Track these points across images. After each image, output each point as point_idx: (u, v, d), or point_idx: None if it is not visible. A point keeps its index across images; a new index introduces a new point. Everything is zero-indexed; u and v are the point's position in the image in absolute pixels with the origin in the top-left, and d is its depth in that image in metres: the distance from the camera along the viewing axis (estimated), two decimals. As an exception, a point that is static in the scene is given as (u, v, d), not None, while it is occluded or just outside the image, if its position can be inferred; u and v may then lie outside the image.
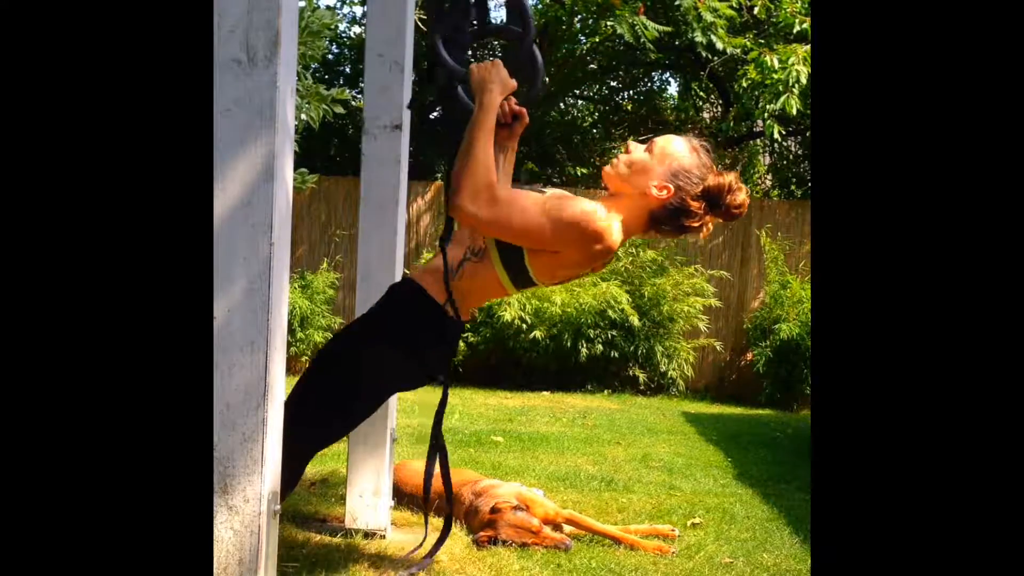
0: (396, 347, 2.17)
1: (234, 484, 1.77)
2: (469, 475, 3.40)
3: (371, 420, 2.69)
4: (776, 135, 7.55)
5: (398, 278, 3.00)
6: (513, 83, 2.12)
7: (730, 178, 2.12)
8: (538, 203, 2.06)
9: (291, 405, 2.16)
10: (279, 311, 1.82)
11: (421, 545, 2.62)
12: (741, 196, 2.13)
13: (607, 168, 2.17)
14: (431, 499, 3.24)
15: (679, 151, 2.12)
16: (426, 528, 2.52)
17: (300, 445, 2.13)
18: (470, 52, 2.24)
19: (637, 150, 2.15)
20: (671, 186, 2.09)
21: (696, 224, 2.14)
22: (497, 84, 2.08)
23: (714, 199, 2.12)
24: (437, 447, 2.32)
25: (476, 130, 2.04)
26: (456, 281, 2.15)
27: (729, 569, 2.88)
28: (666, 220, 2.13)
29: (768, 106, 7.32)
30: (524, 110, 2.19)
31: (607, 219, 2.07)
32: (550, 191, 2.15)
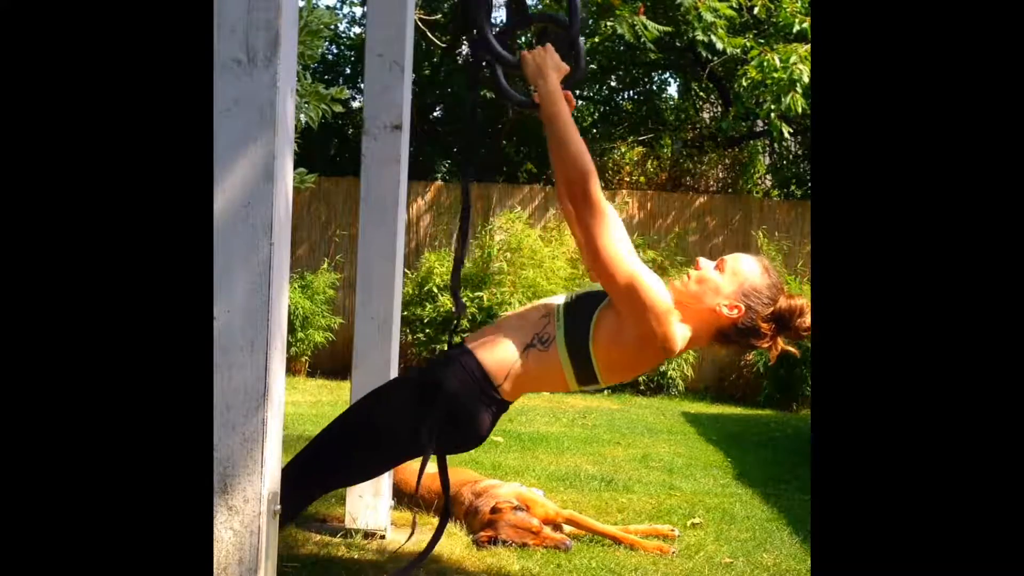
0: (437, 411, 2.09)
1: (234, 484, 1.77)
2: (469, 475, 3.40)
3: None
4: (785, 133, 7.55)
5: (398, 278, 3.00)
6: (566, 66, 2.09)
7: (801, 302, 2.10)
8: (625, 243, 2.04)
9: (309, 448, 2.15)
10: (279, 311, 1.82)
11: (410, 538, 2.62)
12: (809, 319, 2.10)
13: (676, 283, 2.14)
14: (431, 499, 3.25)
15: (750, 271, 2.11)
16: (414, 523, 2.51)
17: (302, 489, 2.11)
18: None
19: (707, 267, 2.14)
20: (742, 306, 2.08)
21: (765, 345, 2.11)
22: (553, 69, 2.06)
23: (784, 321, 2.10)
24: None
25: (555, 121, 2.02)
26: (519, 365, 2.09)
27: (729, 569, 2.88)
28: (734, 338, 2.12)
29: (773, 105, 7.31)
30: (570, 93, 2.15)
31: (679, 324, 2.05)
32: None
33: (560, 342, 2.08)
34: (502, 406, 2.14)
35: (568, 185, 2.01)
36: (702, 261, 2.16)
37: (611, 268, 2.01)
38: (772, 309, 2.09)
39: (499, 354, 2.10)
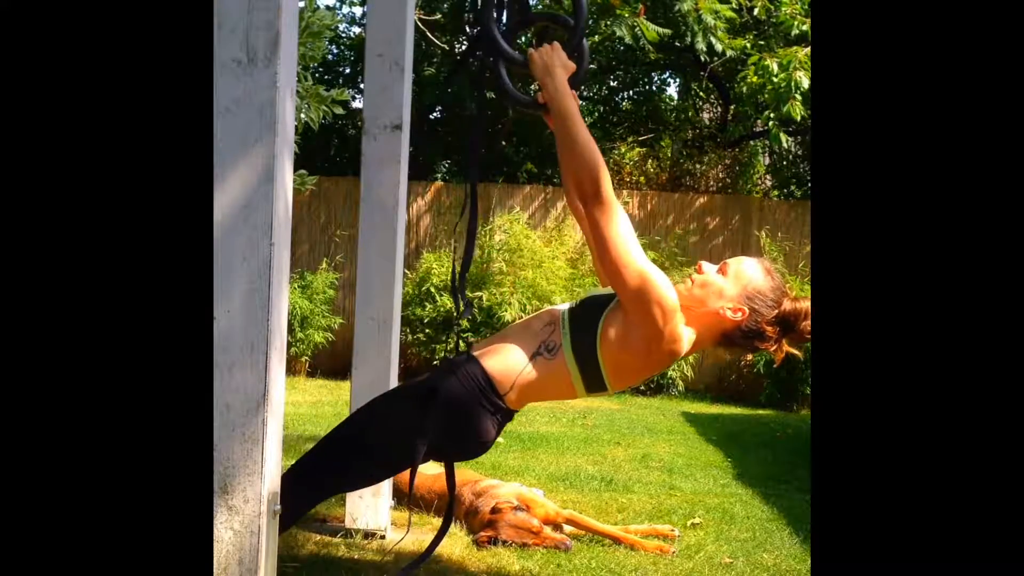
0: (442, 419, 2.08)
1: (234, 484, 1.77)
2: (469, 475, 3.41)
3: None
4: (784, 143, 7.55)
5: (398, 278, 3.00)
6: (572, 65, 2.09)
7: (806, 304, 2.10)
8: (633, 240, 2.03)
9: (315, 451, 2.15)
10: (279, 311, 1.82)
11: (403, 538, 2.62)
12: (809, 323, 2.09)
13: (680, 287, 2.13)
14: (431, 500, 3.25)
15: (753, 274, 2.11)
16: (408, 524, 2.51)
17: (304, 491, 2.10)
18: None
19: (710, 271, 2.13)
20: (746, 309, 2.08)
21: (771, 347, 2.12)
22: (560, 67, 2.06)
23: (789, 324, 2.10)
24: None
25: (566, 119, 2.02)
26: (524, 374, 2.08)
27: (729, 569, 2.88)
28: (739, 341, 2.12)
29: (771, 113, 7.32)
30: (575, 93, 2.14)
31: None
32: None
33: (567, 349, 2.07)
34: (507, 414, 2.13)
35: (578, 183, 2.01)
36: (705, 265, 2.15)
37: (621, 264, 2.00)
38: (776, 312, 2.09)
39: (505, 362, 2.09)
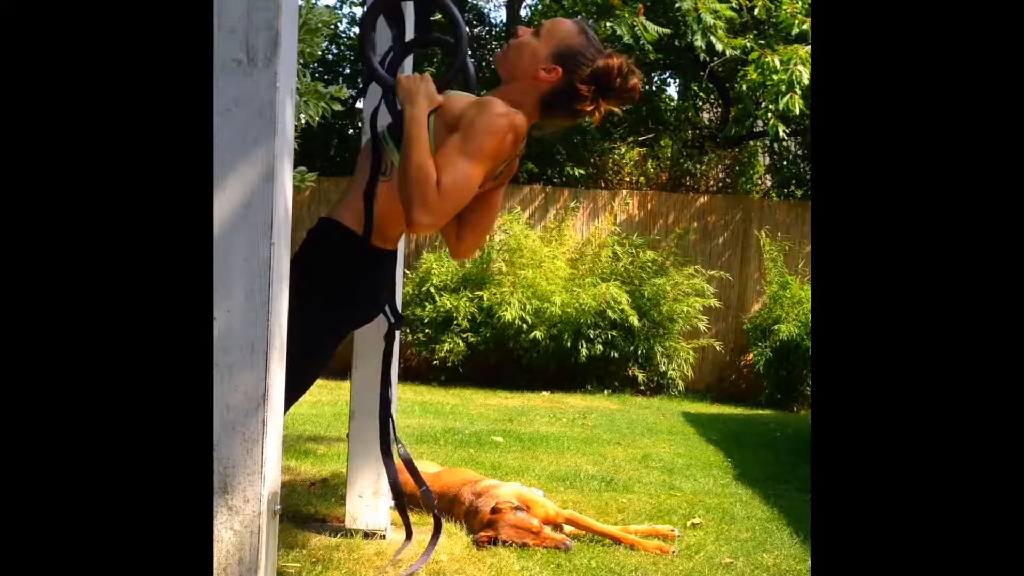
0: (320, 288, 2.10)
1: (234, 484, 1.77)
2: (469, 475, 3.40)
3: (372, 420, 2.69)
4: (781, 134, 7.55)
5: (398, 278, 3.00)
6: (439, 98, 2.09)
7: (621, 60, 2.07)
8: (461, 152, 2.00)
9: None
10: (279, 312, 1.82)
11: (407, 542, 2.62)
12: (633, 80, 2.08)
13: (499, 54, 2.14)
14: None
15: (566, 32, 2.09)
16: (407, 525, 2.51)
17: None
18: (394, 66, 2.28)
19: (525, 34, 2.12)
20: (559, 67, 2.06)
21: (588, 108, 2.09)
22: (423, 96, 2.07)
23: (604, 82, 2.07)
24: (391, 442, 2.31)
25: (409, 144, 2.02)
26: (376, 209, 2.09)
27: (729, 569, 2.88)
28: (556, 103, 2.09)
29: (771, 105, 7.32)
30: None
31: (508, 110, 2.02)
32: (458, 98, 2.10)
33: (398, 161, 2.06)
34: (382, 256, 2.15)
35: (426, 207, 1.98)
36: (521, 28, 2.14)
37: (458, 202, 2.00)
38: (590, 69, 2.06)
39: (351, 207, 2.11)
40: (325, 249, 2.14)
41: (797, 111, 7.12)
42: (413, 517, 3.21)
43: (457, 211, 2.05)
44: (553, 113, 2.12)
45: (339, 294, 2.14)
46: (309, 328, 2.08)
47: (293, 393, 2.25)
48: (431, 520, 3.13)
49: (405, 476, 3.33)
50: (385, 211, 2.11)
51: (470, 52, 2.28)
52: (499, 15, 9.96)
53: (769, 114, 7.42)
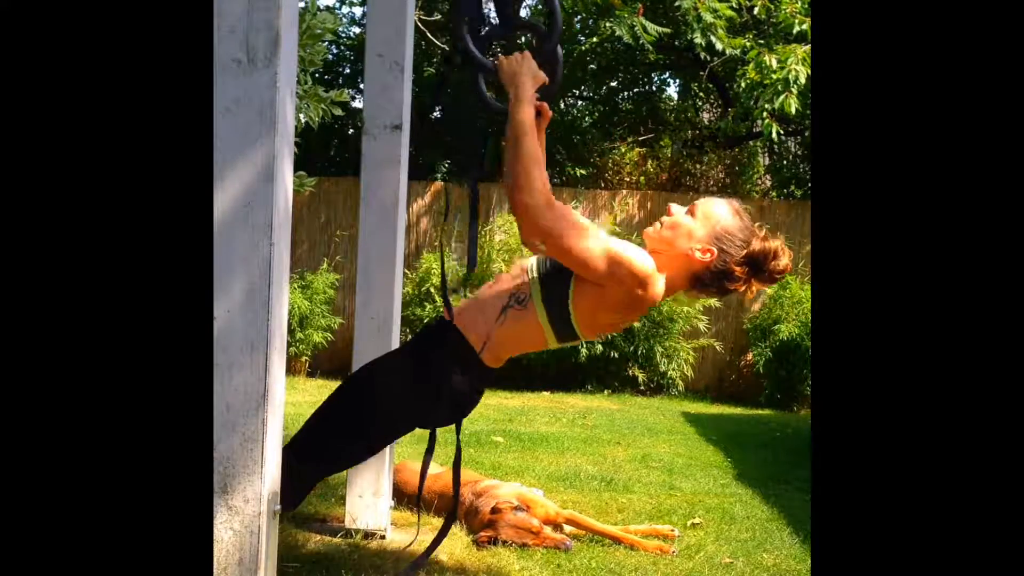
0: (420, 384, 2.12)
1: (234, 484, 1.77)
2: (469, 475, 3.40)
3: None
4: (775, 135, 7.55)
5: (398, 279, 3.00)
6: (543, 75, 2.08)
7: (776, 244, 2.10)
8: (587, 228, 2.02)
9: (308, 427, 2.15)
10: (279, 312, 1.82)
11: (413, 542, 2.62)
12: (784, 261, 2.11)
13: (649, 230, 2.13)
14: (431, 500, 3.25)
15: (722, 214, 2.10)
16: (418, 524, 2.51)
17: (307, 467, 2.11)
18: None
19: (679, 212, 2.12)
20: (714, 249, 2.07)
21: (741, 288, 2.11)
22: (528, 76, 2.05)
23: (758, 264, 2.09)
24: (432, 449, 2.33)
25: (520, 126, 2.00)
26: (497, 328, 2.10)
27: (729, 569, 2.88)
28: (709, 282, 2.11)
29: (766, 105, 7.32)
30: (545, 104, 2.15)
31: (654, 269, 2.04)
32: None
33: (537, 300, 2.08)
34: (486, 373, 2.16)
35: (532, 191, 1.97)
36: (674, 207, 2.14)
37: (583, 256, 1.99)
38: (745, 252, 2.08)
39: (477, 321, 2.12)
40: (445, 355, 2.13)
41: (793, 111, 7.11)
42: (413, 517, 3.22)
43: (550, 240, 2.00)
44: (703, 288, 2.14)
45: (436, 395, 2.14)
46: (395, 415, 2.16)
47: (339, 463, 2.32)
48: (431, 520, 3.13)
49: (405, 476, 3.34)
50: (506, 336, 2.11)
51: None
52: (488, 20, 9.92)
53: (765, 114, 7.42)
